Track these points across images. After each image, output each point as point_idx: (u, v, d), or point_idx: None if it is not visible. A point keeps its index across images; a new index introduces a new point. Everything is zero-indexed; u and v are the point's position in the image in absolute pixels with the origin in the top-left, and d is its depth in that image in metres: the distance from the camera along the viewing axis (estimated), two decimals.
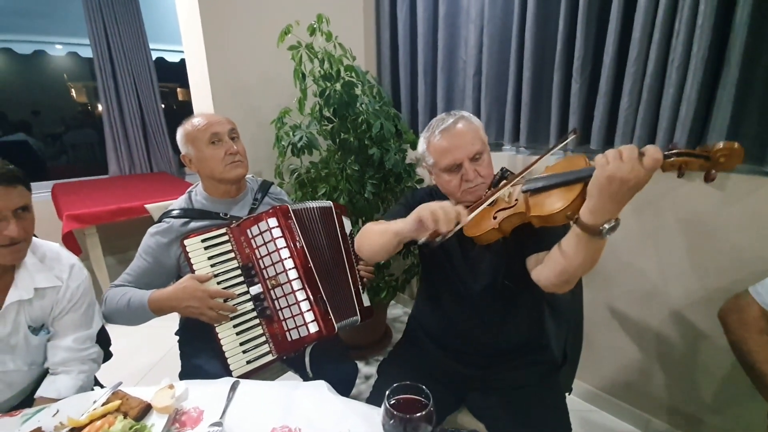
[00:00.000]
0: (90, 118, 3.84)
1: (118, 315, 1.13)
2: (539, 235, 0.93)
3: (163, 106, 3.68)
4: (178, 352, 1.30)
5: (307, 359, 1.21)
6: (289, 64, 1.68)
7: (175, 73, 3.95)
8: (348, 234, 1.35)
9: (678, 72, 1.24)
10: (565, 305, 1.20)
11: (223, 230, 1.17)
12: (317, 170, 1.86)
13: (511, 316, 1.09)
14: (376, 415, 0.78)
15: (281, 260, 1.14)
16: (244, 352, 1.12)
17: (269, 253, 1.15)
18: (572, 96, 1.49)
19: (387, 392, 0.64)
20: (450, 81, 1.96)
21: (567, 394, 1.16)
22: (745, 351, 0.98)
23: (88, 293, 1.07)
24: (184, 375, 1.21)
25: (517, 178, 0.94)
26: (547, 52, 1.57)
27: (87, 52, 3.34)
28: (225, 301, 1.12)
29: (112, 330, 1.23)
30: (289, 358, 1.20)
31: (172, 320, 1.28)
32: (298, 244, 1.18)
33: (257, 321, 1.15)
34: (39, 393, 0.98)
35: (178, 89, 4.35)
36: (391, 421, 0.61)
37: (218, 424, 0.79)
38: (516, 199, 0.91)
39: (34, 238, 1.00)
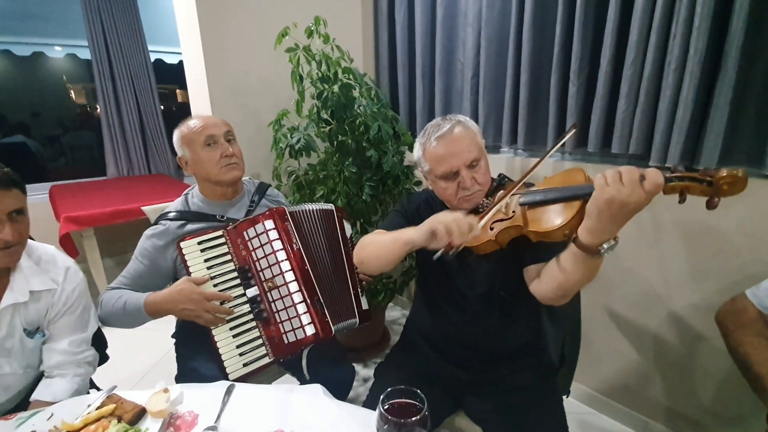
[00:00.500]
0: (89, 120, 3.83)
1: (114, 318, 1.13)
2: (536, 246, 0.92)
3: (162, 107, 3.67)
4: (175, 355, 1.29)
5: (304, 362, 1.20)
6: (286, 66, 1.68)
7: (174, 75, 3.95)
8: (349, 237, 1.35)
9: (675, 74, 1.24)
10: (562, 308, 1.19)
11: (219, 232, 1.17)
12: (315, 172, 1.86)
13: (508, 320, 1.09)
14: (371, 419, 0.77)
15: (278, 262, 1.14)
16: (240, 354, 1.12)
17: (266, 256, 1.15)
18: (569, 98, 1.49)
19: (381, 396, 0.64)
20: (448, 83, 1.97)
21: (565, 396, 1.16)
22: (743, 353, 0.98)
23: (84, 296, 1.06)
24: (180, 378, 1.20)
25: (519, 184, 0.94)
26: (544, 54, 1.57)
27: (86, 54, 3.34)
28: (221, 303, 1.12)
29: (109, 333, 1.22)
30: (286, 360, 1.20)
31: (169, 323, 1.28)
32: (295, 246, 1.18)
33: (254, 323, 1.14)
34: (34, 396, 0.97)
35: (178, 91, 4.34)
36: (386, 426, 0.61)
37: (213, 428, 0.78)
38: (513, 211, 0.90)
39: (29, 240, 1.00)
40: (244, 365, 1.11)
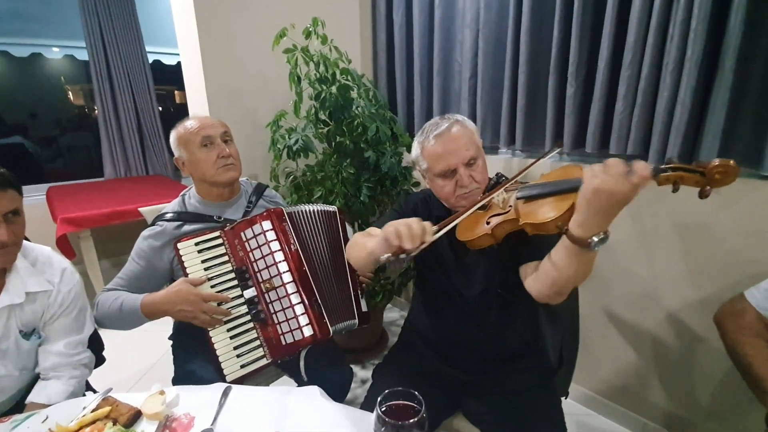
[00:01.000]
0: (86, 121, 3.82)
1: (110, 319, 1.12)
2: (533, 244, 0.93)
3: (160, 108, 3.66)
4: (172, 357, 1.29)
5: (301, 363, 1.20)
6: (284, 67, 1.68)
7: (172, 76, 3.93)
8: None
9: (672, 76, 1.24)
10: (560, 309, 1.19)
11: (216, 233, 1.16)
12: (313, 173, 1.86)
13: (506, 321, 1.09)
14: (369, 420, 0.77)
15: (275, 263, 1.14)
16: (238, 356, 1.11)
17: (263, 257, 1.14)
18: (567, 100, 1.50)
19: (379, 398, 0.64)
20: (446, 84, 1.97)
21: (563, 398, 1.15)
22: (741, 354, 0.98)
23: (80, 298, 1.06)
24: (177, 380, 1.19)
25: (502, 188, 0.96)
26: (542, 56, 1.57)
27: (83, 55, 3.33)
28: (219, 304, 1.11)
29: (105, 334, 1.22)
30: (284, 362, 1.19)
31: (166, 324, 1.27)
32: (292, 247, 1.17)
33: (251, 325, 1.14)
34: (30, 398, 0.97)
35: (176, 92, 4.33)
36: (383, 428, 0.60)
37: (209, 430, 0.78)
38: (510, 206, 0.91)
39: (25, 241, 1.00)
40: (242, 367, 1.11)
